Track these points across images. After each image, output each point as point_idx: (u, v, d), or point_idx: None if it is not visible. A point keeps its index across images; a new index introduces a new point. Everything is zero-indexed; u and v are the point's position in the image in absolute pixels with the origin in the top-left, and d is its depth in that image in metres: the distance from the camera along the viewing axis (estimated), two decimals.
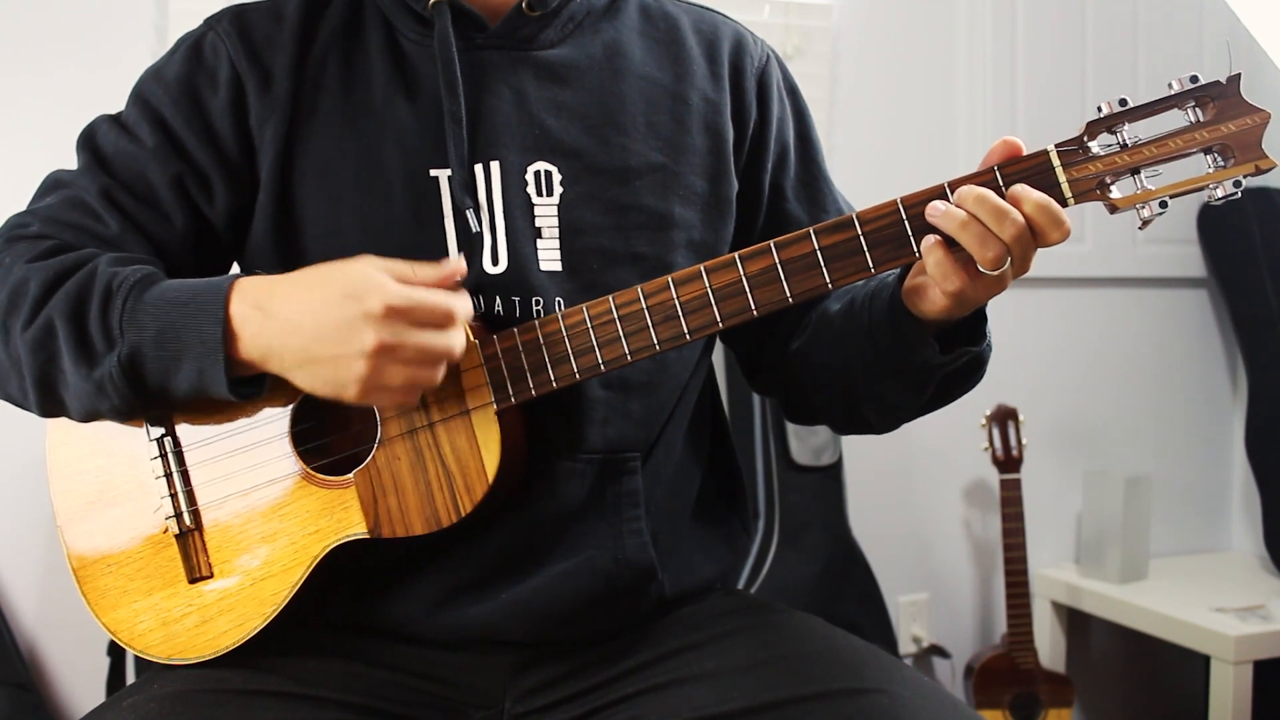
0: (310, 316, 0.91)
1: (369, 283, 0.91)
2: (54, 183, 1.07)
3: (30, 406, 1.01)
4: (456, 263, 0.95)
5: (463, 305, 0.94)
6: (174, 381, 0.95)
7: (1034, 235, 0.90)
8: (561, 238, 1.05)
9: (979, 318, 1.01)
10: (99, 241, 1.03)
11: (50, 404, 1.00)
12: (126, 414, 1.00)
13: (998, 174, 0.91)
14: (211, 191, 1.06)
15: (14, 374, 0.99)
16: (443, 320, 0.92)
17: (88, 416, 1.00)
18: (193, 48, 1.08)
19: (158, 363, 0.95)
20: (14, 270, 0.99)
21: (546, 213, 1.05)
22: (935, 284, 0.93)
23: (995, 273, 0.90)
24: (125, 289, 0.95)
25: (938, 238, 0.91)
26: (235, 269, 1.15)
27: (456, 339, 0.93)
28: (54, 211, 1.04)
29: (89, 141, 1.08)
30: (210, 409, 1.02)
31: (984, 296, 0.94)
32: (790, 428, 2.17)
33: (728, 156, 1.12)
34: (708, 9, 1.18)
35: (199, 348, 0.93)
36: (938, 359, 1.00)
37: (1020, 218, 0.89)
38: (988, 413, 2.28)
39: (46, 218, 1.04)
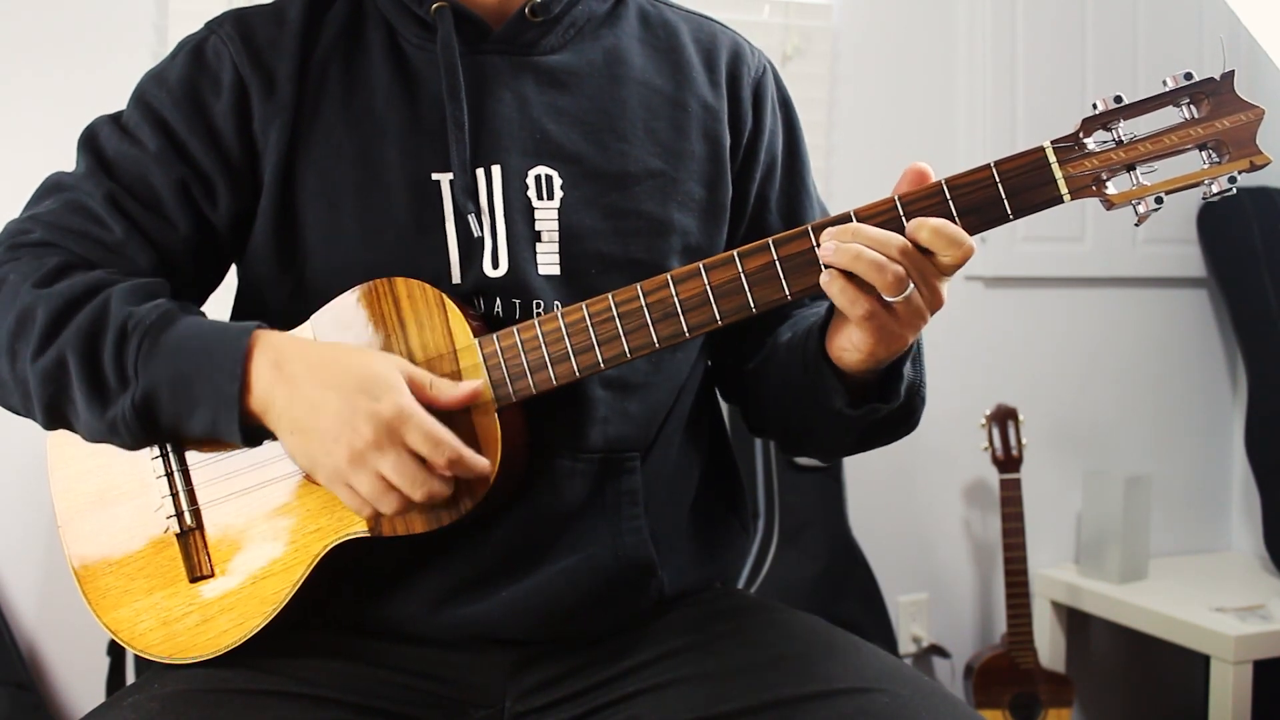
0: (319, 392, 0.92)
1: (386, 384, 0.92)
2: (54, 185, 1.07)
3: (36, 421, 1.01)
4: (477, 386, 0.96)
5: (478, 464, 0.94)
6: (187, 426, 0.96)
7: (930, 257, 0.90)
8: (561, 242, 1.05)
9: (895, 374, 1.00)
10: (103, 248, 1.02)
11: (57, 426, 1.01)
12: (136, 448, 1.00)
13: (898, 205, 0.91)
14: (215, 195, 1.06)
15: (18, 394, 0.99)
16: (442, 460, 0.92)
17: (94, 442, 1.00)
18: (194, 51, 1.08)
19: (172, 408, 0.95)
20: (20, 294, 0.98)
21: (546, 216, 1.05)
22: (846, 311, 0.91)
23: (900, 297, 0.89)
24: (141, 330, 0.95)
25: (834, 270, 0.90)
26: (233, 271, 1.15)
27: (432, 487, 0.93)
28: (56, 217, 1.03)
29: (90, 144, 1.07)
30: None
31: (903, 330, 0.93)
32: None
33: (725, 163, 1.12)
34: (706, 18, 1.19)
35: (215, 399, 0.94)
36: (849, 411, 1.00)
37: (900, 239, 0.89)
38: (988, 412, 2.28)
39: (49, 224, 1.03)
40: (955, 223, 0.91)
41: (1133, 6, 2.53)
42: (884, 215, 0.92)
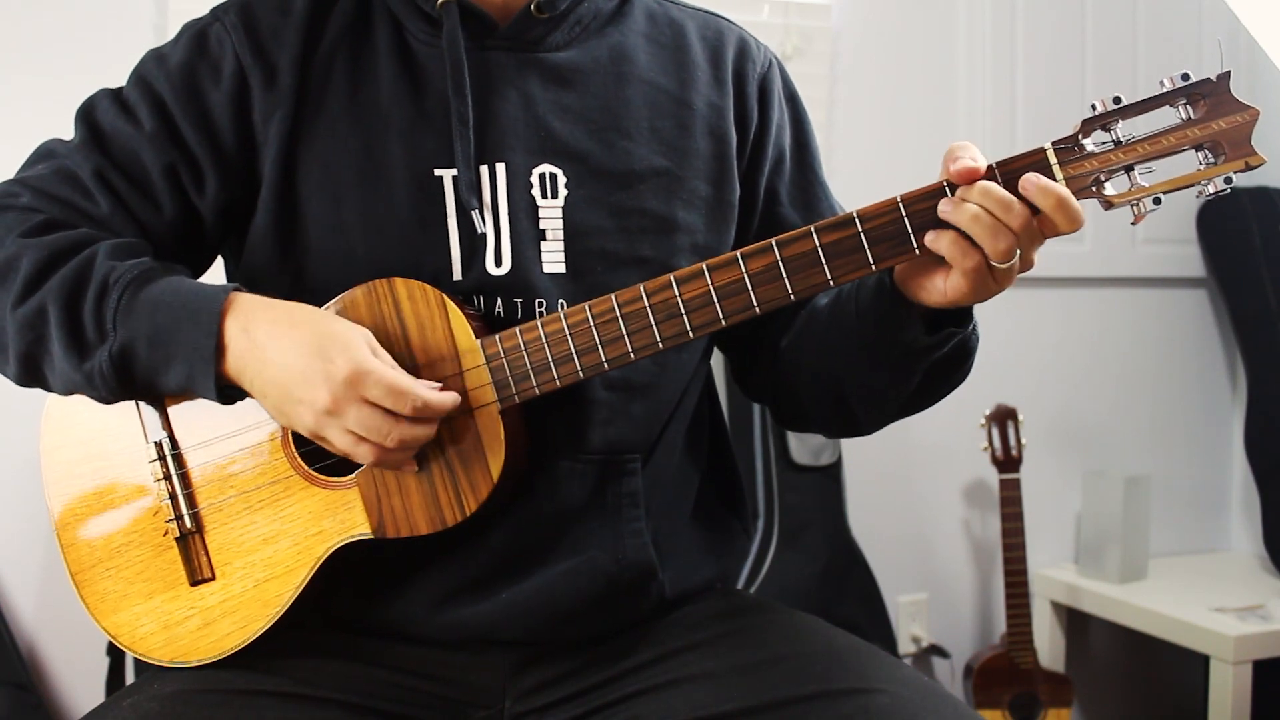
0: (281, 356, 0.94)
1: (341, 344, 0.93)
2: (47, 153, 1.08)
3: (8, 374, 1.02)
4: (451, 397, 0.96)
5: (441, 399, 0.95)
6: (162, 380, 0.97)
7: (1041, 225, 0.91)
8: (565, 240, 1.05)
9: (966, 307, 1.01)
10: (88, 220, 1.03)
11: (30, 379, 1.02)
12: (110, 402, 1.01)
13: (995, 171, 0.91)
14: (203, 183, 1.06)
15: None
16: (406, 409, 0.93)
17: (68, 394, 1.02)
18: (197, 37, 1.08)
19: (148, 361, 0.96)
20: (5, 242, 0.99)
21: (551, 215, 1.05)
22: (955, 264, 0.92)
23: (1005, 265, 0.90)
24: (122, 284, 0.96)
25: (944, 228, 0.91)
26: (221, 262, 1.15)
27: (403, 432, 0.94)
28: (45, 184, 1.04)
29: (88, 116, 1.07)
30: (208, 410, 1.02)
31: (994, 289, 0.94)
32: None
33: (731, 161, 1.12)
34: (713, 14, 1.19)
35: (190, 354, 0.95)
36: (924, 339, 0.99)
37: (1023, 208, 0.90)
38: (987, 413, 2.28)
39: (37, 189, 1.04)
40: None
41: (1132, 7, 2.53)
42: (887, 216, 0.93)
